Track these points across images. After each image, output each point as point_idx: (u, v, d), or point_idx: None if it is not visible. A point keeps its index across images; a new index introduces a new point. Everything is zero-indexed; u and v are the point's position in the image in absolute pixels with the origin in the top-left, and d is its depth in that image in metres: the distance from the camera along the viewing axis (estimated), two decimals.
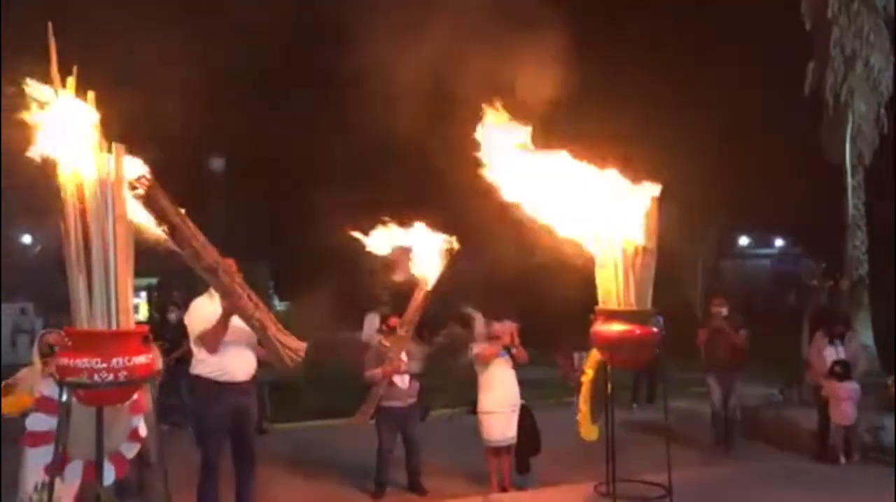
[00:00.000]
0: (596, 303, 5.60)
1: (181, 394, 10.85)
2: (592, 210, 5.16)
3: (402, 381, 7.20)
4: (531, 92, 5.32)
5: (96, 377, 3.95)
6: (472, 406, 10.97)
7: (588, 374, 6.00)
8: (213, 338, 5.19)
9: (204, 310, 5.34)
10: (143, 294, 32.79)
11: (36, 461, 5.16)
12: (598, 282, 5.44)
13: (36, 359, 5.54)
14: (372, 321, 10.96)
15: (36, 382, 5.47)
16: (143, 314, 30.91)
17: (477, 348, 7.21)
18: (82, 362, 3.94)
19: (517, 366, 7.23)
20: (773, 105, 16.45)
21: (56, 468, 4.12)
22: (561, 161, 5.04)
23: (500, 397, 7.12)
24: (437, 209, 7.11)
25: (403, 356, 7.19)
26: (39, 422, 4.47)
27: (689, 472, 6.96)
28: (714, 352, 8.89)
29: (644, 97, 14.43)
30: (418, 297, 6.89)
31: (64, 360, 4.00)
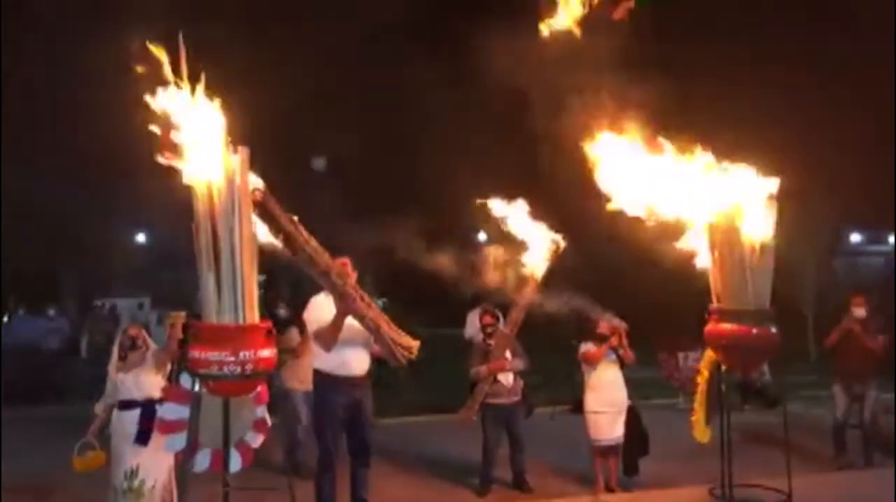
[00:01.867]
0: (701, 301, 5.47)
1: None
2: (708, 205, 5.02)
3: (506, 379, 7.22)
4: (642, 85, 5.22)
5: (225, 369, 4.16)
6: (572, 404, 10.94)
7: (704, 375, 5.84)
8: (329, 337, 5.36)
9: (321, 308, 5.52)
10: None
11: (138, 448, 5.51)
12: (712, 280, 5.30)
13: (115, 352, 5.89)
14: (474, 318, 11.01)
15: (111, 376, 5.83)
16: None
17: (584, 348, 7.15)
18: (212, 355, 4.15)
19: (625, 366, 7.14)
20: (884, 94, 15.47)
21: (189, 455, 4.33)
22: (674, 155, 4.94)
23: (607, 397, 7.05)
24: (540, 204, 7.06)
25: (508, 354, 7.21)
26: (170, 411, 4.72)
27: (810, 478, 6.67)
28: (844, 357, 8.01)
29: (754, 88, 13.89)
30: (526, 295, 6.90)
31: (196, 353, 4.22)
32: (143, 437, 5.68)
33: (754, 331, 5.11)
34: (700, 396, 5.97)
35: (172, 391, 4.84)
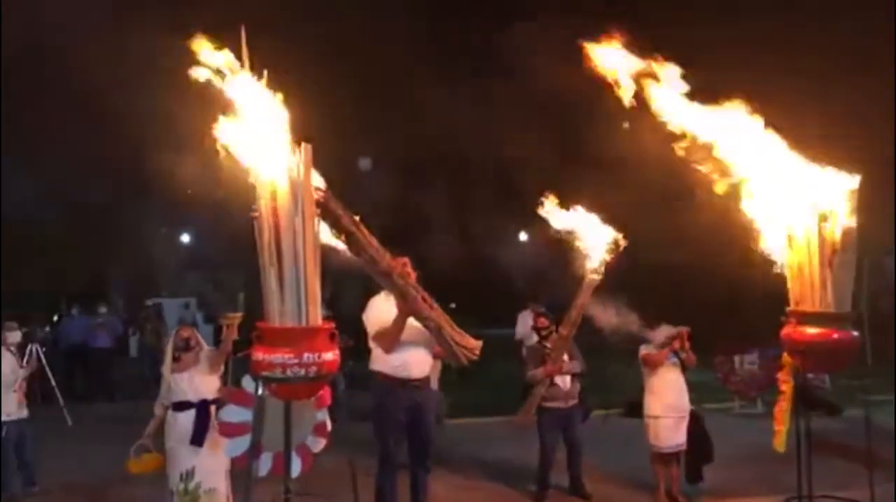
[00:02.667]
0: (763, 302, 5.22)
1: (336, 391, 11.23)
2: (789, 204, 4.78)
3: (563, 382, 7.03)
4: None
5: (289, 372, 4.05)
6: (626, 408, 10.69)
7: (788, 383, 5.58)
8: (389, 339, 5.24)
9: (380, 309, 5.40)
10: None
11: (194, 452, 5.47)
12: (790, 281, 5.04)
13: (168, 352, 5.82)
14: (525, 319, 10.85)
15: (167, 377, 5.78)
16: None
17: (644, 351, 6.93)
18: (276, 357, 4.05)
19: (686, 370, 6.90)
20: None
21: (253, 457, 4.25)
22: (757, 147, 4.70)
23: (668, 401, 6.82)
24: (596, 202, 6.86)
25: (564, 356, 7.02)
26: (232, 414, 4.64)
27: (887, 487, 6.34)
28: None
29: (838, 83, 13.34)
30: (583, 295, 6.70)
31: (259, 355, 4.12)
32: (198, 438, 5.63)
33: (835, 335, 4.85)
34: (784, 404, 5.70)
35: (234, 393, 4.76)
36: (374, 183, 16.48)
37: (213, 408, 5.73)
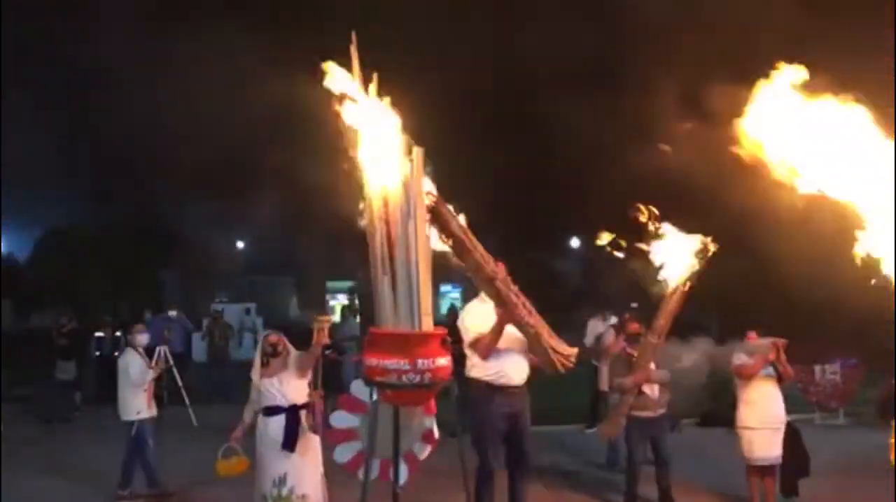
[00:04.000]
0: (841, 311, 4.98)
1: None
2: None
3: (651, 390, 6.86)
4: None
5: (403, 378, 4.02)
6: (700, 417, 10.45)
7: None
8: (488, 345, 5.18)
9: (477, 315, 5.34)
10: (338, 296, 34.90)
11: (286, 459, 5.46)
12: None
13: (257, 358, 5.82)
14: (595, 326, 10.70)
15: (255, 383, 5.78)
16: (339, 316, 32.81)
17: (738, 360, 6.73)
18: (391, 363, 4.02)
19: (783, 382, 6.69)
20: None
21: (366, 464, 4.21)
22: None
23: (763, 413, 6.61)
24: (688, 208, 6.70)
25: (652, 364, 6.85)
26: (341, 420, 4.62)
27: None
28: None
29: None
30: (672, 302, 6.51)
31: (372, 361, 4.09)
32: (289, 443, 5.62)
33: None
34: None
35: (345, 399, 4.75)
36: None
37: (303, 413, 5.75)
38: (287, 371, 5.80)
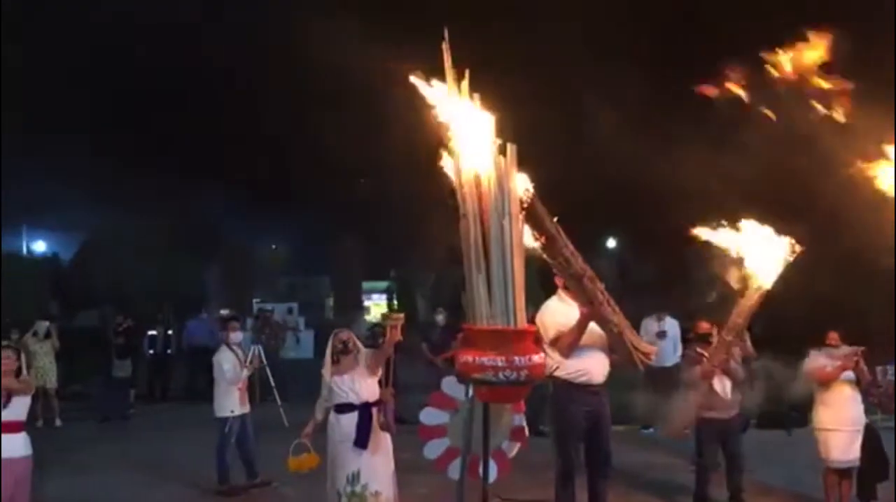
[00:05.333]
0: None
1: None
2: None
3: (724, 391, 6.74)
4: None
5: (500, 375, 3.98)
6: (758, 418, 10.27)
7: None
8: (570, 343, 5.13)
9: (556, 313, 5.30)
10: (374, 297, 35.04)
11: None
12: None
13: (328, 356, 5.83)
14: (649, 325, 10.60)
15: (326, 381, 5.79)
16: (374, 315, 32.98)
17: (815, 363, 6.60)
18: (488, 360, 3.98)
19: (860, 385, 6.58)
20: None
21: (462, 461, 4.19)
22: None
23: (842, 415, 6.49)
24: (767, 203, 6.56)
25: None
26: (432, 417, 4.61)
27: None
28: None
29: None
30: (751, 301, 6.36)
31: (468, 358, 4.06)
32: (361, 440, 5.63)
33: None
34: None
35: (436, 396, 4.73)
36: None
37: (375, 410, 5.76)
38: (358, 368, 5.81)
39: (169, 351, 13.34)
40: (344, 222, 29.41)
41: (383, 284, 33.91)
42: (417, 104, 4.33)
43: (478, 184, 4.17)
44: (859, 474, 6.58)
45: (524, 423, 4.63)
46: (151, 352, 13.17)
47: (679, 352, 10.10)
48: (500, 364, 3.97)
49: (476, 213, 4.16)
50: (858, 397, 6.55)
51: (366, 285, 33.95)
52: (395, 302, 30.80)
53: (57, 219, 27.58)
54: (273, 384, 10.60)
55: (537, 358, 4.09)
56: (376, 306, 34.30)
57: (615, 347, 5.20)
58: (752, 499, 6.86)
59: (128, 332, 12.07)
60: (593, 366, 5.29)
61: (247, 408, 7.76)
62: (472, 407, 4.18)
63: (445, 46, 4.26)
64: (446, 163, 4.26)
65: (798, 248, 6.20)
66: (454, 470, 4.53)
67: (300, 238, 33.59)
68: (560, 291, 5.39)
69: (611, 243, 33.22)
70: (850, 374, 6.52)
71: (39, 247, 29.38)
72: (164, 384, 13.48)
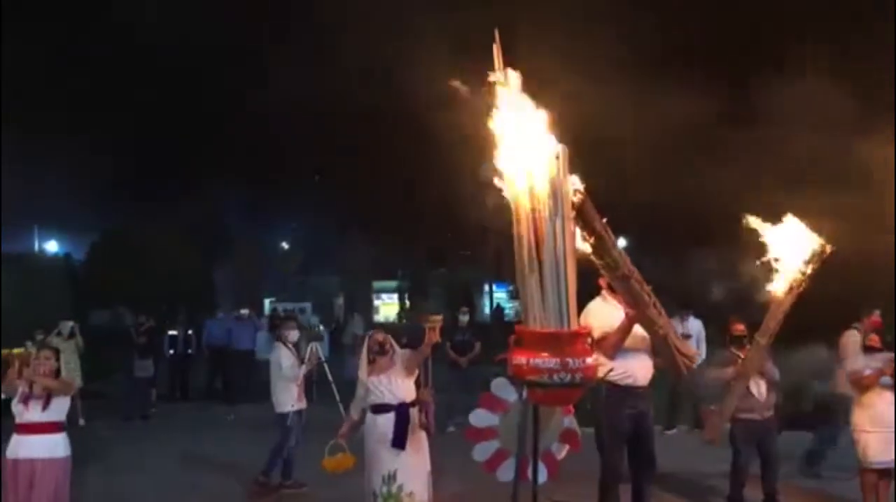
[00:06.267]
0: None
1: (475, 395, 11.16)
2: None
3: (759, 392, 6.71)
4: None
5: (555, 377, 3.97)
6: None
7: None
8: (615, 344, 5.11)
9: (600, 314, 5.27)
10: (383, 297, 35.01)
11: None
12: None
13: (363, 357, 5.84)
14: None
15: (362, 381, 5.79)
16: (383, 315, 32.94)
17: (854, 366, 6.59)
18: (541, 362, 3.97)
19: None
20: None
21: (517, 463, 4.17)
22: None
23: (878, 416, 6.45)
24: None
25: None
26: (481, 419, 4.60)
27: None
28: None
29: None
30: (784, 303, 6.37)
31: (522, 360, 4.04)
32: (399, 441, 5.63)
33: None
34: None
35: (485, 398, 4.72)
36: None
37: (413, 411, 5.75)
38: (395, 369, 5.81)
39: (189, 351, 13.36)
40: (353, 221, 29.47)
41: (393, 284, 33.91)
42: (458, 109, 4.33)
43: (531, 185, 4.16)
44: None
45: (574, 425, 4.61)
46: (172, 351, 13.19)
47: (704, 353, 10.05)
48: (554, 366, 3.96)
49: (528, 216, 4.15)
50: (893, 397, 6.52)
51: (376, 285, 33.94)
52: (408, 301, 30.81)
53: (68, 219, 27.67)
54: (331, 379, 10.61)
55: (591, 359, 4.08)
56: (386, 306, 34.32)
57: (659, 350, 5.19)
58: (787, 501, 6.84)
59: (150, 332, 12.09)
60: (638, 368, 5.28)
61: (304, 404, 7.87)
62: (525, 410, 4.16)
63: (497, 49, 4.25)
64: (499, 163, 4.23)
65: (829, 249, 6.16)
66: (503, 473, 4.52)
67: (310, 237, 33.64)
68: (603, 292, 5.38)
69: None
70: (887, 378, 6.50)
71: (52, 247, 29.45)
72: (183, 383, 13.50)
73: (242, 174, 27.24)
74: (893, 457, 6.44)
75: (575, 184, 4.26)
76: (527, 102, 4.22)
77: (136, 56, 23.47)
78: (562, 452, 4.59)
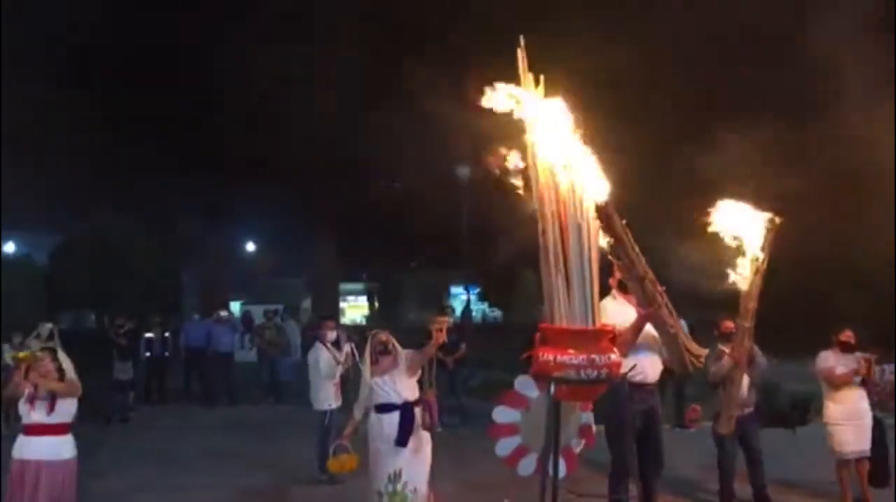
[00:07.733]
0: None
1: (457, 396, 11.26)
2: None
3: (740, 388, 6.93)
4: None
5: (582, 373, 4.08)
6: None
7: None
8: (628, 342, 5.24)
9: (612, 312, 5.39)
10: (349, 299, 34.86)
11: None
12: None
13: (367, 356, 5.92)
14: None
15: (366, 381, 5.87)
16: (349, 317, 32.79)
17: (826, 363, 6.94)
18: (568, 358, 4.08)
19: (866, 385, 7.00)
20: None
21: (544, 460, 4.28)
22: None
23: (850, 409, 6.87)
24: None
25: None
26: (503, 415, 4.69)
27: None
28: None
29: None
30: (754, 282, 6.29)
31: (547, 356, 4.14)
32: (403, 439, 5.70)
33: None
34: None
35: (508, 395, 4.81)
36: None
37: (417, 410, 5.83)
38: (398, 368, 5.88)
39: (166, 353, 13.22)
40: (320, 223, 29.26)
41: (360, 286, 33.80)
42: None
43: (556, 185, 4.28)
44: (871, 462, 6.89)
45: (591, 421, 4.74)
46: (148, 354, 13.02)
47: None
48: (581, 362, 4.07)
49: (554, 215, 4.27)
50: (864, 393, 6.96)
51: (343, 286, 33.77)
52: (377, 304, 30.72)
53: (26, 219, 26.95)
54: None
55: (615, 356, 4.20)
56: (352, 308, 34.18)
57: (667, 348, 5.34)
58: (775, 496, 7.05)
59: (129, 334, 11.94)
60: (648, 366, 5.44)
61: (340, 402, 8.04)
62: (551, 406, 4.28)
63: (521, 53, 4.37)
64: (528, 164, 4.34)
65: (777, 220, 6.19)
66: (524, 468, 4.63)
67: (275, 239, 33.29)
68: (613, 291, 5.51)
69: None
70: (858, 377, 6.86)
71: (9, 247, 28.67)
72: (161, 386, 13.34)
73: (208, 174, 26.85)
74: (865, 447, 6.79)
75: (600, 186, 4.39)
76: (553, 104, 4.34)
77: (97, 54, 23.00)
78: (579, 447, 4.72)
